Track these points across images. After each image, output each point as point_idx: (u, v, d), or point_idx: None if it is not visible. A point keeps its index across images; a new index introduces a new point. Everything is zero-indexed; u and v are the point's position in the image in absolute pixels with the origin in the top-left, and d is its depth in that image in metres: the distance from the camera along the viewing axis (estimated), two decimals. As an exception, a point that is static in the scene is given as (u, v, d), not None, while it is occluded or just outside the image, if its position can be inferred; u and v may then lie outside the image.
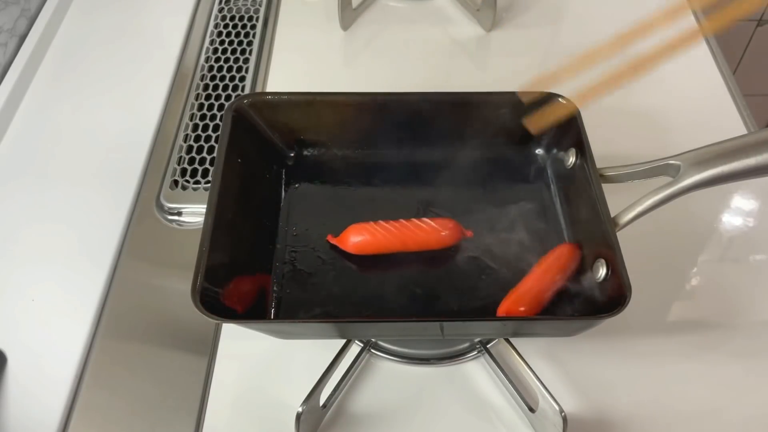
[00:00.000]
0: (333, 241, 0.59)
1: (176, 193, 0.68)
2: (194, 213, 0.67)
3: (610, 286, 0.50)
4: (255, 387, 0.56)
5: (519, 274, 0.58)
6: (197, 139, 0.73)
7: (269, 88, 0.79)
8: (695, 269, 0.63)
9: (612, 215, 0.52)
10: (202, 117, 0.75)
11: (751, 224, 0.66)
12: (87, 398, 0.55)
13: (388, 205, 0.61)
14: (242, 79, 0.79)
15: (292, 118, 0.63)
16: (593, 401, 0.54)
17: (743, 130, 0.73)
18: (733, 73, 0.80)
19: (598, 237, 0.53)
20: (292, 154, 0.65)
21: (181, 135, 0.73)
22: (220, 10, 0.89)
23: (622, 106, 0.76)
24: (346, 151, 0.65)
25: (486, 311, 0.56)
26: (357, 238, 0.57)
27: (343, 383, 0.55)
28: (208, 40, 0.84)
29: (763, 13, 1.38)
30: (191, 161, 0.71)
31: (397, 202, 0.61)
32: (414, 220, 0.58)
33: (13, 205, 0.67)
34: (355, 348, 0.57)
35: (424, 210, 0.62)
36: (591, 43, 0.79)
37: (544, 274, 0.55)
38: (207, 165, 0.70)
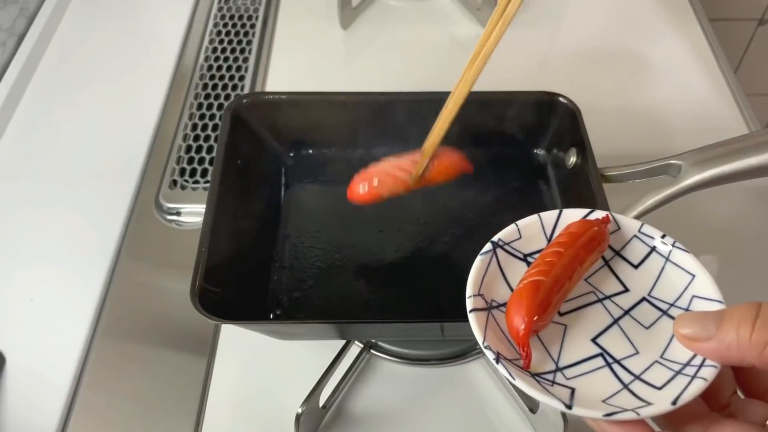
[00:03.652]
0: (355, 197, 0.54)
1: (175, 192, 0.68)
2: (193, 213, 0.66)
3: (610, 286, 0.50)
4: (255, 387, 0.56)
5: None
6: (196, 138, 0.73)
7: (268, 88, 0.79)
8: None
9: (613, 215, 0.52)
10: (201, 117, 0.75)
11: (751, 224, 0.66)
12: (86, 399, 0.55)
13: (387, 205, 0.61)
14: (241, 78, 0.79)
15: (292, 118, 0.63)
16: (594, 402, 0.54)
17: (744, 130, 0.73)
18: (735, 73, 0.80)
19: (598, 237, 0.53)
20: (292, 154, 0.65)
21: (180, 134, 0.73)
22: (220, 9, 0.89)
23: (623, 106, 0.76)
24: (346, 151, 0.65)
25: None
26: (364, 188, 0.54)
27: (343, 384, 0.55)
28: (207, 39, 0.84)
29: (763, 13, 1.38)
30: (190, 161, 0.71)
31: (396, 202, 0.60)
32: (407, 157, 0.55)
33: (12, 205, 0.67)
34: (355, 348, 0.56)
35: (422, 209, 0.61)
36: (592, 42, 0.79)
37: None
38: (206, 165, 0.70)
